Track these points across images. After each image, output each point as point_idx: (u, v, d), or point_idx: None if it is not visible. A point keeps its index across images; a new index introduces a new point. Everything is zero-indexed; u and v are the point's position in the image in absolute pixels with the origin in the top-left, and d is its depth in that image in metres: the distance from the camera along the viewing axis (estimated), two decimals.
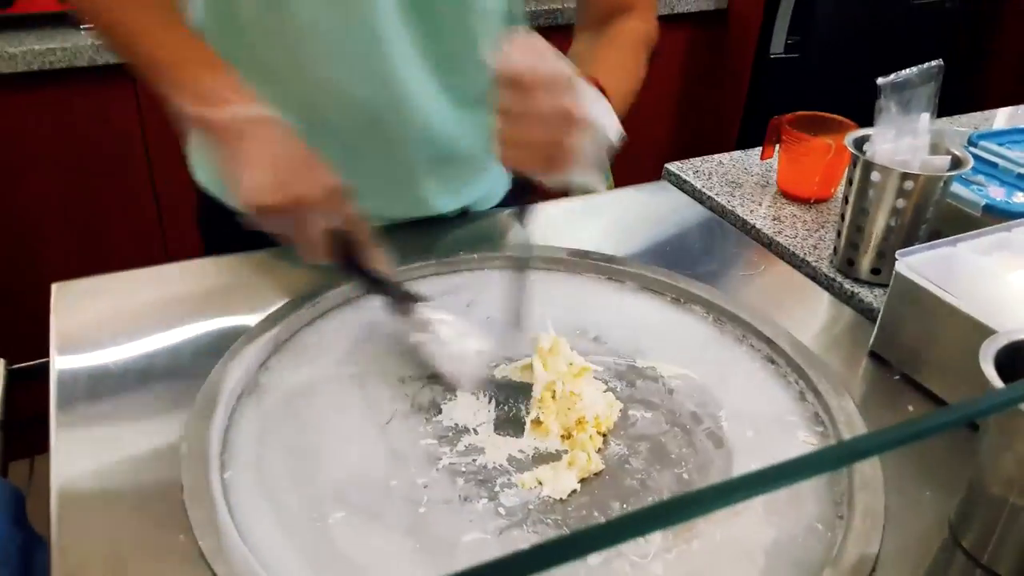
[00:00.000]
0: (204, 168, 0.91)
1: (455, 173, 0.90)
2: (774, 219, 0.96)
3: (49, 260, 1.62)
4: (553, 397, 0.64)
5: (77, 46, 1.45)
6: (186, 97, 0.65)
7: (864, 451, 0.28)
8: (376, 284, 0.70)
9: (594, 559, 0.55)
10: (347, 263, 0.69)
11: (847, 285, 0.84)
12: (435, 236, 0.90)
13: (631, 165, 2.26)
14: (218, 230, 0.92)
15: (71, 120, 1.53)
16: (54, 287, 0.77)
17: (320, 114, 0.80)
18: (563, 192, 1.06)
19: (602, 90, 0.68)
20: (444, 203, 0.91)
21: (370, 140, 0.82)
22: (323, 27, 0.75)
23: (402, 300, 0.71)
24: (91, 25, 0.73)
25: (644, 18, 0.83)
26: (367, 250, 0.68)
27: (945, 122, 1.16)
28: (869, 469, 0.62)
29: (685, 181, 1.05)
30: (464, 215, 0.95)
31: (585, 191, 1.09)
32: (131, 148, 1.60)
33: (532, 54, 0.60)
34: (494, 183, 0.97)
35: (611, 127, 0.66)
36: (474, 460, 0.62)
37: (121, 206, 1.65)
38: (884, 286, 0.83)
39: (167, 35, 0.70)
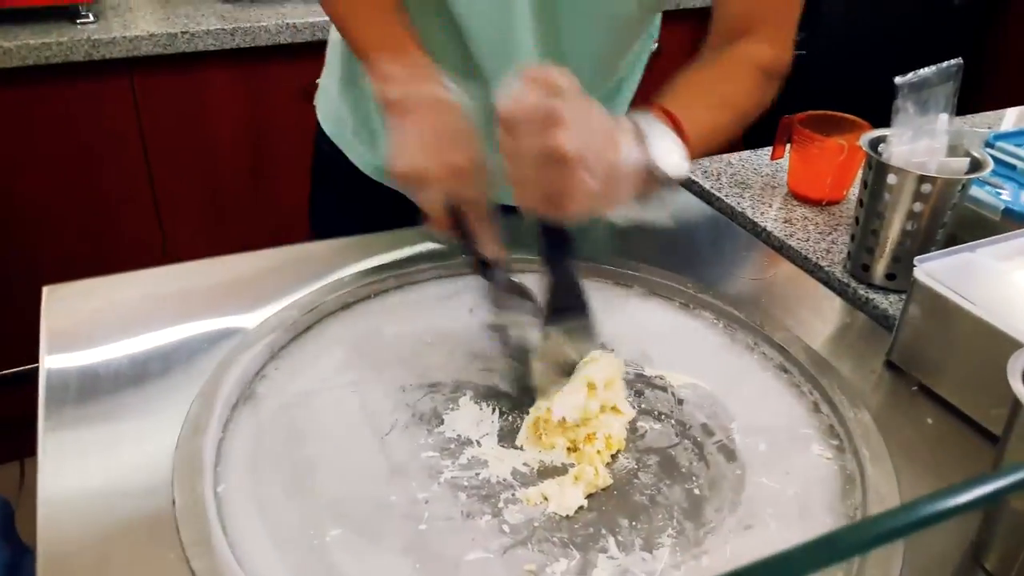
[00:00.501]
0: (330, 118, 0.98)
1: None
2: (785, 221, 0.93)
3: (43, 261, 1.60)
4: (563, 421, 0.61)
5: (73, 40, 1.43)
6: (374, 78, 0.71)
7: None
8: (482, 268, 0.69)
9: (600, 575, 0.53)
10: (462, 242, 0.69)
11: (861, 291, 0.82)
12: None
13: None
14: (328, 181, 1.02)
15: (67, 116, 1.51)
16: (45, 290, 0.75)
17: None
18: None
19: (676, 122, 0.67)
20: None
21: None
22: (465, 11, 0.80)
23: (503, 290, 0.69)
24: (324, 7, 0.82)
25: (772, 41, 0.77)
26: (479, 233, 0.68)
27: (958, 123, 1.14)
28: (884, 484, 0.59)
29: (693, 181, 1.02)
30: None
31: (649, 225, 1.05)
32: (128, 145, 1.58)
33: (535, 90, 0.57)
34: None
35: (669, 162, 0.64)
36: (477, 474, 0.60)
37: (118, 205, 1.63)
38: (899, 292, 0.81)
39: (372, 20, 0.76)
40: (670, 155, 0.65)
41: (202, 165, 1.67)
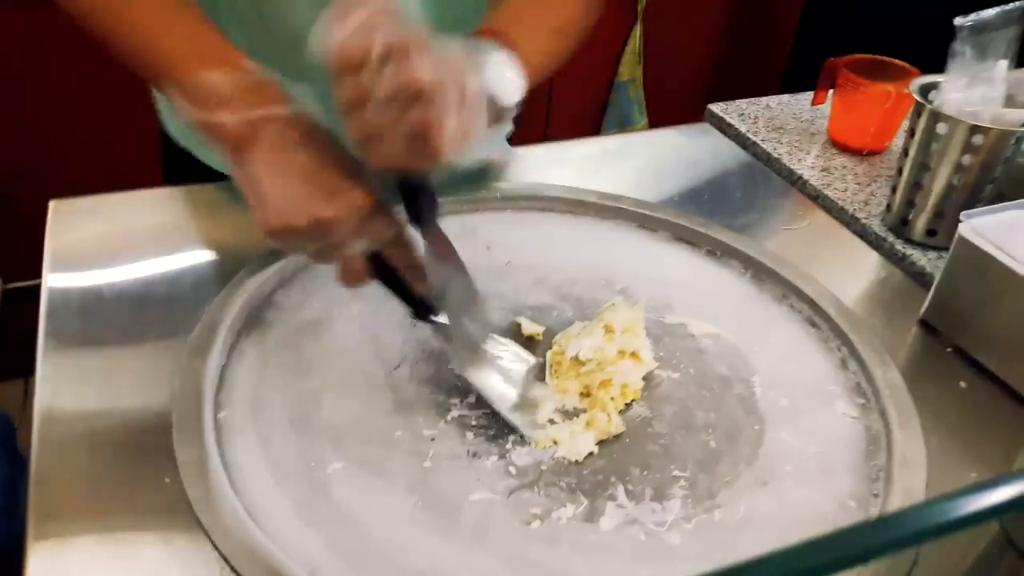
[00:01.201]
0: (179, 125, 0.81)
1: None
2: (823, 170, 0.89)
3: (52, 176, 1.58)
4: (578, 361, 0.59)
5: None
6: (189, 99, 0.54)
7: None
8: (422, 311, 0.58)
9: (607, 524, 0.51)
10: (390, 286, 0.58)
11: (899, 246, 0.78)
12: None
13: (667, 102, 2.18)
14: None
15: (76, 30, 1.47)
16: (52, 204, 0.73)
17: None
18: (596, 130, 0.99)
19: (508, 44, 0.58)
20: None
21: None
22: None
23: (449, 329, 0.59)
24: (84, 21, 0.62)
25: None
26: (410, 275, 0.57)
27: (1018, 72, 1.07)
28: (912, 445, 0.57)
29: (729, 124, 0.97)
30: None
31: (619, 126, 1.01)
32: None
33: (362, 24, 0.46)
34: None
35: (509, 86, 0.57)
36: (485, 413, 0.58)
37: (129, 121, 1.60)
38: (938, 249, 0.77)
39: (170, 26, 0.58)
40: (508, 85, 0.57)
41: None
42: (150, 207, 0.75)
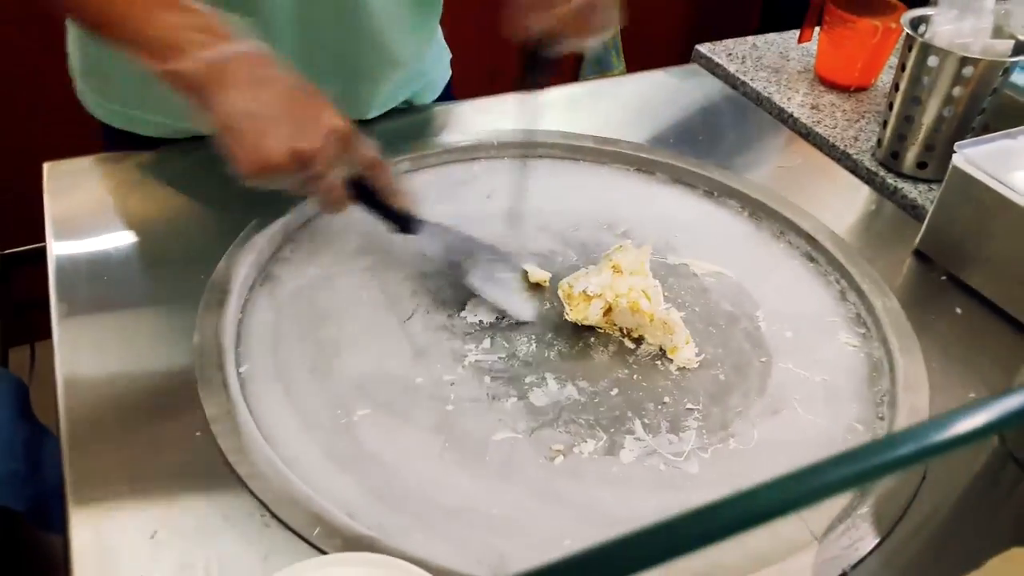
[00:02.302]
0: (97, 100, 0.77)
1: (396, 77, 0.81)
2: (812, 107, 0.90)
3: (43, 136, 1.54)
4: (587, 296, 0.60)
5: None
6: (145, 49, 0.54)
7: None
8: (404, 224, 0.63)
9: (628, 457, 0.53)
10: (370, 207, 0.62)
11: (890, 180, 0.80)
12: (425, 124, 0.84)
13: (644, 47, 2.16)
14: None
15: None
16: (46, 167, 0.72)
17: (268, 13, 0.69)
18: (575, 76, 0.99)
19: None
20: (380, 105, 0.82)
21: (317, 41, 0.73)
22: None
23: (443, 235, 0.65)
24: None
25: None
26: (390, 192, 0.61)
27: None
28: (913, 370, 0.59)
29: (717, 64, 0.98)
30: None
31: (597, 72, 1.01)
32: None
33: None
34: (428, 81, 0.88)
35: None
36: (501, 358, 0.59)
37: None
38: (929, 181, 0.79)
39: None
40: None
41: None
42: (152, 165, 0.73)
